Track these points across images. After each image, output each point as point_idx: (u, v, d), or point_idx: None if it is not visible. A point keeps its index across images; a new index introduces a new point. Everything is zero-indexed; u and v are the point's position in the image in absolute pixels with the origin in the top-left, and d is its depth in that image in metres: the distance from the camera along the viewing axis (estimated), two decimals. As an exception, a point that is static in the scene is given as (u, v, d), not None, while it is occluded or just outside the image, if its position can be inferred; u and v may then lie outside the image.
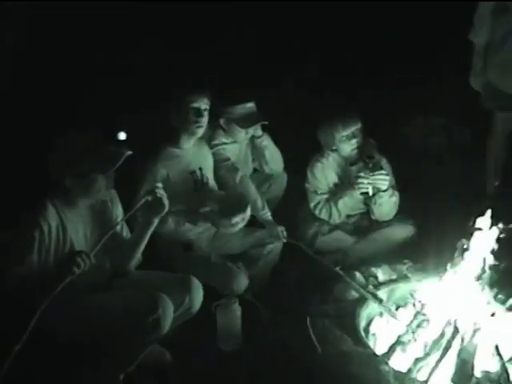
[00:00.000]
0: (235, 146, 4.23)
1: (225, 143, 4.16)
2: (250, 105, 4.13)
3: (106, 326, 2.88)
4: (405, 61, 5.66)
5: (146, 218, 3.12)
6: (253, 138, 4.30)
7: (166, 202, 3.07)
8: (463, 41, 4.74)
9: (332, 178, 4.31)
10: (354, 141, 4.14)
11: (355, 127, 4.13)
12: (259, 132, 4.26)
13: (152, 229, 3.16)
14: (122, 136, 2.97)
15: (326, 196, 4.28)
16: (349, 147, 4.17)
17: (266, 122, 4.15)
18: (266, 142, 4.31)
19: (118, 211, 3.22)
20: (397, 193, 4.28)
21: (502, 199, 4.63)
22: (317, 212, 4.28)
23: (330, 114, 4.25)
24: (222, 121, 4.14)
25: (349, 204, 4.23)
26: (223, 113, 4.12)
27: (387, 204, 4.21)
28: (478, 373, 2.97)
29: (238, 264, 3.78)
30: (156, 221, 3.14)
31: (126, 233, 3.26)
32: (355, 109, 4.29)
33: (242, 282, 3.64)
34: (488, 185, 4.78)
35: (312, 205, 4.30)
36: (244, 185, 4.00)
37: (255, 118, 4.11)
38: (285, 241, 3.89)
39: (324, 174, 4.29)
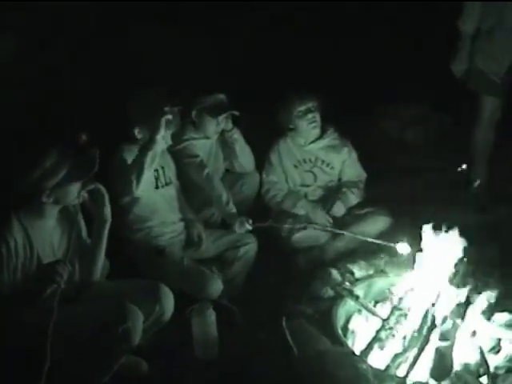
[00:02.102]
0: (206, 142, 4.21)
1: (194, 138, 4.14)
2: (221, 95, 4.16)
3: (76, 339, 2.80)
4: (381, 47, 5.64)
5: (96, 212, 3.05)
6: (223, 134, 4.26)
7: (103, 190, 3.03)
8: (441, 27, 4.73)
9: (289, 162, 4.40)
10: (310, 115, 4.25)
11: (311, 103, 4.24)
12: (229, 125, 4.23)
13: (107, 226, 3.08)
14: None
15: (279, 186, 4.38)
16: (305, 122, 4.26)
17: (237, 113, 4.15)
18: (237, 136, 4.27)
19: (82, 220, 3.15)
20: (363, 174, 4.45)
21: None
22: (266, 198, 4.38)
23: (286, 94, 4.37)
24: (193, 113, 4.14)
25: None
26: (194, 104, 4.13)
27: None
28: (457, 365, 2.94)
29: (211, 268, 3.73)
30: (108, 215, 3.06)
31: (88, 241, 3.17)
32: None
33: (217, 286, 3.58)
34: (474, 172, 4.75)
35: (263, 190, 4.39)
36: (210, 181, 3.98)
37: (226, 108, 4.13)
38: (249, 228, 3.87)
39: (280, 159, 4.40)
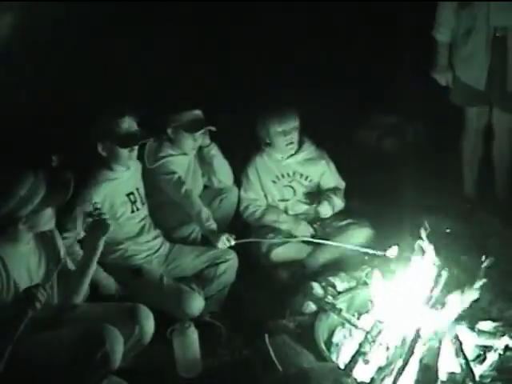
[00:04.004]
0: (183, 158, 4.16)
1: (171, 155, 4.09)
2: (197, 111, 4.10)
3: (54, 365, 2.76)
4: (354, 58, 5.65)
5: (92, 241, 3.08)
6: (201, 150, 4.23)
7: (108, 221, 3.09)
8: (414, 38, 4.74)
9: (267, 178, 4.35)
10: (288, 136, 4.19)
11: (293, 124, 4.18)
12: (207, 141, 4.19)
13: (98, 254, 3.09)
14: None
15: (257, 202, 4.35)
16: (283, 142, 4.21)
17: (214, 128, 4.10)
18: (214, 151, 4.24)
19: (60, 243, 3.10)
20: (342, 183, 4.41)
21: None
22: (245, 215, 4.34)
23: (268, 107, 4.29)
24: (169, 131, 4.08)
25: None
26: (170, 122, 4.07)
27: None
28: (442, 376, 2.92)
29: (192, 285, 3.68)
30: (101, 244, 3.08)
31: (69, 265, 3.15)
32: (299, 108, 4.29)
33: (198, 304, 3.53)
34: (465, 185, 4.74)
35: (241, 207, 4.35)
36: (188, 198, 3.93)
37: (202, 124, 4.08)
38: (233, 243, 3.79)
39: (258, 175, 4.35)
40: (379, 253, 3.69)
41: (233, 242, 3.79)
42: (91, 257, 3.08)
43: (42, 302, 2.65)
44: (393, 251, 3.62)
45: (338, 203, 4.28)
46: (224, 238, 3.76)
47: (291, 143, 4.22)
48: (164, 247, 3.89)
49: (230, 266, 3.81)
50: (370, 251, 3.76)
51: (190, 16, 5.33)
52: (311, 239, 4.13)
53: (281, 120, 4.17)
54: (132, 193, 3.75)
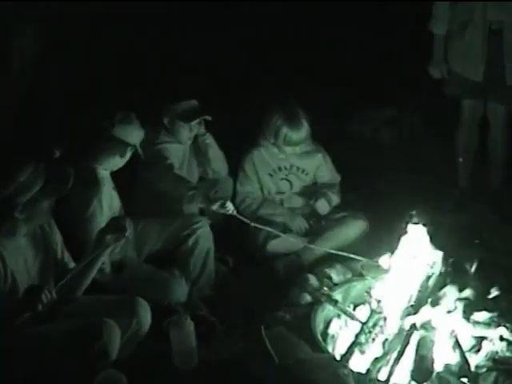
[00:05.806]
0: (178, 147, 4.17)
1: (167, 142, 4.11)
2: (193, 101, 4.13)
3: (51, 358, 2.77)
4: (351, 50, 5.66)
5: (103, 238, 3.07)
6: (196, 139, 4.24)
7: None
8: (411, 29, 4.74)
9: (264, 171, 4.34)
10: (298, 146, 4.20)
11: (305, 135, 4.16)
12: (203, 130, 4.21)
13: (107, 253, 3.12)
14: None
15: (254, 195, 4.33)
16: (291, 150, 4.22)
17: (209, 118, 4.12)
18: (209, 141, 4.25)
19: (57, 237, 3.11)
20: (338, 177, 4.43)
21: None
22: (242, 208, 4.25)
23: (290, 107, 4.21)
24: (165, 120, 4.10)
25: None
26: (167, 111, 4.10)
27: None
28: (438, 366, 2.93)
29: (173, 271, 3.66)
30: (111, 244, 3.09)
31: (67, 260, 3.15)
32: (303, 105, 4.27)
33: (181, 288, 3.56)
34: (460, 177, 4.74)
35: (238, 200, 4.29)
36: (178, 179, 3.95)
37: (198, 113, 4.10)
38: (230, 208, 3.75)
39: (255, 169, 4.34)
40: (373, 262, 3.62)
41: (230, 206, 3.77)
42: (99, 253, 3.07)
43: (44, 304, 2.66)
44: (385, 260, 3.50)
45: (335, 199, 4.30)
46: (221, 202, 3.75)
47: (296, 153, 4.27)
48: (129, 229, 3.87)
49: (199, 237, 3.75)
50: (363, 259, 3.71)
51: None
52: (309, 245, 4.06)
53: (298, 132, 4.14)
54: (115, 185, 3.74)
